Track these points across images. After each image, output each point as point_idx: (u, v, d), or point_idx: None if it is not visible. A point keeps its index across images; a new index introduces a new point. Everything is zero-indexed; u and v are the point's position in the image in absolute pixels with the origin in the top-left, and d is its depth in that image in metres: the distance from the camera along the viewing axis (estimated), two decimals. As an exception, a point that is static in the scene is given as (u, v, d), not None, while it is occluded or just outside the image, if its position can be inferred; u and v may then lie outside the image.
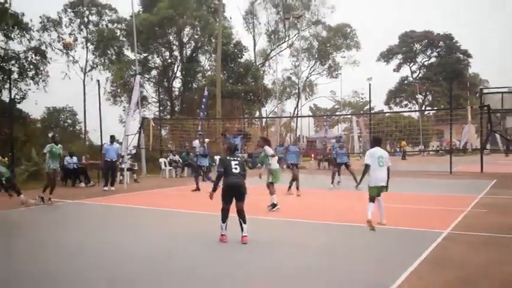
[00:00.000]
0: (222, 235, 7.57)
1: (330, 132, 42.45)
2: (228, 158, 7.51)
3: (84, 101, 36.51)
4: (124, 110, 37.69)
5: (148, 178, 21.71)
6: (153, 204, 12.65)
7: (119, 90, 39.74)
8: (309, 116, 54.02)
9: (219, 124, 26.91)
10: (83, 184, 18.45)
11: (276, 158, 11.29)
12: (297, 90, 51.01)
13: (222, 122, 26.77)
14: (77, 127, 38.19)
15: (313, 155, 38.73)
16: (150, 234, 8.72)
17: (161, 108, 39.52)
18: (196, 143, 18.48)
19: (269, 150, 11.21)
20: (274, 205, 10.89)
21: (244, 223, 7.48)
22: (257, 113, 45.59)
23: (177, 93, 43.83)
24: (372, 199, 8.59)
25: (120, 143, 18.03)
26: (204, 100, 28.19)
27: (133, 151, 21.50)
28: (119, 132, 20.66)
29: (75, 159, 19.19)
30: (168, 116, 39.84)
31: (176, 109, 42.35)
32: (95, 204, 13.22)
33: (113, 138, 17.20)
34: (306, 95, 55.80)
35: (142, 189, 16.86)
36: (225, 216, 7.46)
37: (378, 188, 8.51)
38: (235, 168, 7.36)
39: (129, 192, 16.08)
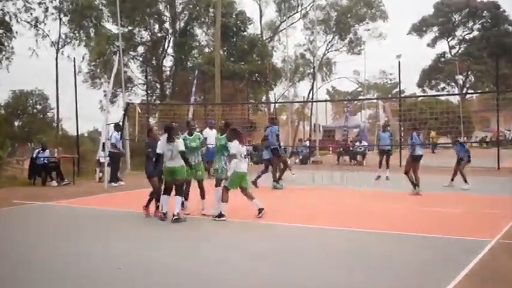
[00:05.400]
0: None
1: (352, 120, 42.22)
2: None
3: (57, 83, 36.48)
4: (105, 95, 37.68)
5: (133, 175, 21.64)
6: (131, 206, 12.61)
7: (98, 70, 39.64)
8: (326, 101, 53.61)
9: (218, 110, 26.78)
10: (54, 182, 18.41)
11: (240, 158, 10.63)
12: (311, 70, 50.74)
13: (221, 107, 26.63)
14: (48, 114, 38.21)
15: (331, 148, 38.59)
16: (123, 241, 8.66)
17: (149, 91, 39.47)
18: (207, 132, 18.28)
19: (232, 147, 10.72)
20: (221, 215, 10.54)
21: None
22: (264, 97, 45.40)
23: (168, 73, 43.69)
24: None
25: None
26: (194, 82, 28.13)
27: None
28: (99, 120, 20.55)
29: (47, 152, 19.12)
30: (158, 101, 39.73)
31: (167, 93, 42.23)
32: (69, 207, 13.21)
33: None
34: (323, 75, 55.41)
35: (125, 189, 16.89)
36: None
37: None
38: None
39: (109, 192, 16.16)
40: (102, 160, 18.81)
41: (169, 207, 10.53)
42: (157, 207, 11.02)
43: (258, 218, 10.52)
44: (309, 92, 52.26)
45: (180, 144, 10.55)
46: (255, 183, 16.36)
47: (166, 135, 10.58)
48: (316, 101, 38.67)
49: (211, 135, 17.81)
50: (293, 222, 10.41)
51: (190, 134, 11.52)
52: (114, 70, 20.15)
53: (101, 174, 19.14)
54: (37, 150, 19.21)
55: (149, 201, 11.13)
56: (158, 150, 10.49)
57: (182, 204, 10.81)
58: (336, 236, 9.20)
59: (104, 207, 12.93)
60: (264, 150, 17.64)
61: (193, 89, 28.55)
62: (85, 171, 21.73)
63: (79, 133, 23.88)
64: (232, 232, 9.65)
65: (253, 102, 39.74)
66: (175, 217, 10.31)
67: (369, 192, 15.72)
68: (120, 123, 18.48)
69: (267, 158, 17.09)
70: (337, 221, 10.56)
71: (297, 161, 29.65)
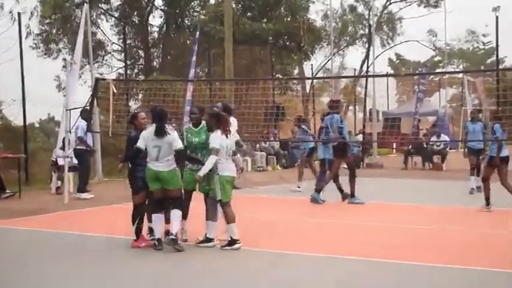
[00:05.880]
0: None
1: (426, 103, 41.94)
2: None
3: (-6, 50, 36.75)
4: (64, 67, 37.84)
5: (106, 184, 21.63)
6: (108, 229, 12.68)
7: (54, 31, 39.76)
8: (387, 76, 53.33)
9: (229, 90, 26.72)
10: (-8, 194, 18.50)
11: (226, 155, 10.72)
12: (366, 30, 50.52)
13: (234, 85, 26.59)
14: (-19, 95, 38.34)
15: (395, 144, 38.35)
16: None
17: (129, 62, 39.50)
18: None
19: (215, 139, 10.60)
20: (232, 242, 10.53)
21: None
22: (296, 71, 45.25)
23: (156, 36, 43.72)
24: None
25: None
26: (194, 49, 28.01)
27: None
28: (57, 104, 20.52)
29: None
30: (141, 76, 39.79)
31: (155, 64, 42.26)
32: (12, 229, 13.22)
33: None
34: (383, 38, 55.26)
35: (95, 204, 16.90)
36: None
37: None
38: None
39: (73, 208, 16.11)
40: (61, 162, 18.83)
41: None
42: (139, 230, 10.88)
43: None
44: (363, 63, 52.28)
45: (175, 139, 10.49)
46: (343, 193, 16.97)
47: (154, 124, 10.51)
48: (374, 76, 38.50)
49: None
50: (356, 254, 10.30)
51: (196, 125, 11.25)
52: (81, 31, 20.06)
53: (59, 182, 19.17)
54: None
55: (138, 230, 10.87)
56: (139, 144, 10.41)
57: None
58: (418, 275, 9.15)
59: (65, 231, 12.83)
60: (321, 147, 17.63)
61: (194, 58, 28.42)
62: (36, 177, 21.76)
63: (27, 123, 23.85)
64: (262, 271, 9.47)
65: (281, 78, 39.60)
66: (172, 237, 10.27)
67: (456, 211, 15.75)
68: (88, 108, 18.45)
69: (326, 159, 17.23)
70: (416, 253, 10.53)
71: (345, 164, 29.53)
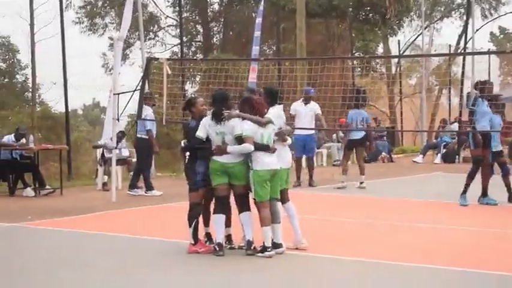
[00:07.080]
0: None
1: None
2: None
3: (32, 26, 37.34)
4: (111, 45, 38.29)
5: (159, 180, 21.73)
6: (162, 232, 12.70)
7: (100, 4, 40.16)
8: (489, 53, 52.35)
9: (301, 70, 26.68)
10: (30, 191, 18.66)
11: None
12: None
13: (307, 65, 26.60)
14: (17, 77, 38.95)
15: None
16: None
17: (185, 38, 39.74)
18: (298, 108, 18.65)
19: (246, 127, 10.45)
20: (264, 249, 10.37)
21: None
22: (381, 48, 44.95)
23: (216, 8, 43.86)
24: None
25: None
26: (257, 22, 28.00)
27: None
28: (103, 88, 20.65)
29: (23, 142, 19.16)
30: (199, 55, 39.99)
31: (215, 40, 42.42)
32: (54, 230, 13.37)
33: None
34: (485, 8, 54.46)
35: (146, 202, 17.08)
36: None
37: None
38: None
39: (121, 207, 16.32)
40: (108, 155, 19.09)
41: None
42: (197, 232, 10.80)
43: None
44: (459, 38, 51.50)
45: (237, 124, 10.38)
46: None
47: (212, 109, 10.54)
48: (473, 53, 38.00)
49: (303, 113, 17.96)
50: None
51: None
52: (130, 1, 20.25)
53: (105, 177, 19.46)
54: (5, 138, 19.35)
55: (196, 233, 10.79)
56: (199, 133, 10.38)
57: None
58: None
59: (114, 233, 12.99)
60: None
61: (257, 33, 28.51)
62: (80, 172, 21.98)
63: (69, 109, 24.15)
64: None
65: (363, 57, 39.39)
66: (251, 243, 10.43)
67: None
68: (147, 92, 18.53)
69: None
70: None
71: (438, 157, 29.31)
